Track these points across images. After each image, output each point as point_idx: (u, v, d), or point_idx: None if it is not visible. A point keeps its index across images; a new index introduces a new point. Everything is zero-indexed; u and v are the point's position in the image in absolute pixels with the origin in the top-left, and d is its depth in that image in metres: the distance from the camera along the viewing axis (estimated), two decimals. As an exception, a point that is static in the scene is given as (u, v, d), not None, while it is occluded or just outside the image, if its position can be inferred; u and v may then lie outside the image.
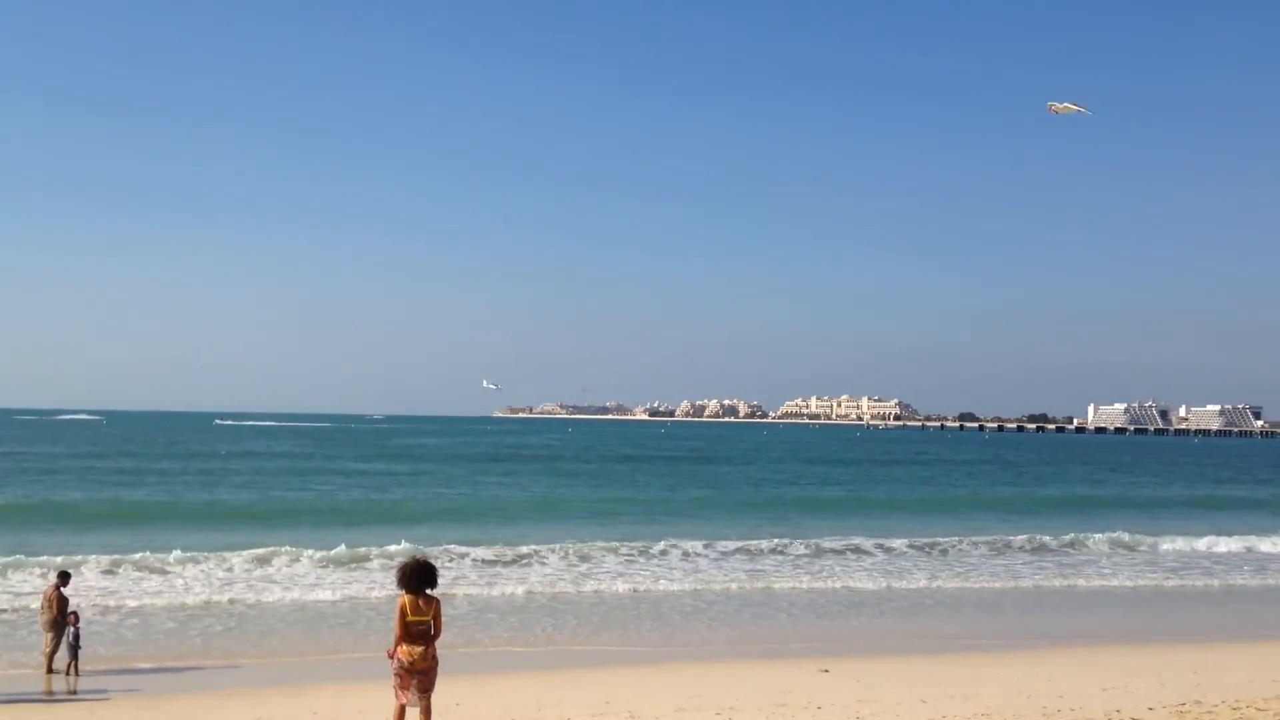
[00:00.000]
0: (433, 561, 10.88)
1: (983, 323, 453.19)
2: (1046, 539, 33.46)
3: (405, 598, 10.39)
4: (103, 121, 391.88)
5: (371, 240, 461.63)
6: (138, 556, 25.41)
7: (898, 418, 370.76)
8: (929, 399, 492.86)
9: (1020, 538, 33.55)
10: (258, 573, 24.71)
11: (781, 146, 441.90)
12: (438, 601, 10.51)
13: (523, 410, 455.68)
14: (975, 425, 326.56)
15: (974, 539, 32.94)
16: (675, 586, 24.40)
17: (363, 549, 27.33)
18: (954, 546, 31.59)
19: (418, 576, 10.43)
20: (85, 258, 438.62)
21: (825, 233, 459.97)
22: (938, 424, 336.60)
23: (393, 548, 27.34)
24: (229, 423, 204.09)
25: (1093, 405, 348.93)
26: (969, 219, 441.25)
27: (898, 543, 31.73)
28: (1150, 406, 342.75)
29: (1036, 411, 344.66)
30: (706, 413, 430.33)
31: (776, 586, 24.85)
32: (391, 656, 10.37)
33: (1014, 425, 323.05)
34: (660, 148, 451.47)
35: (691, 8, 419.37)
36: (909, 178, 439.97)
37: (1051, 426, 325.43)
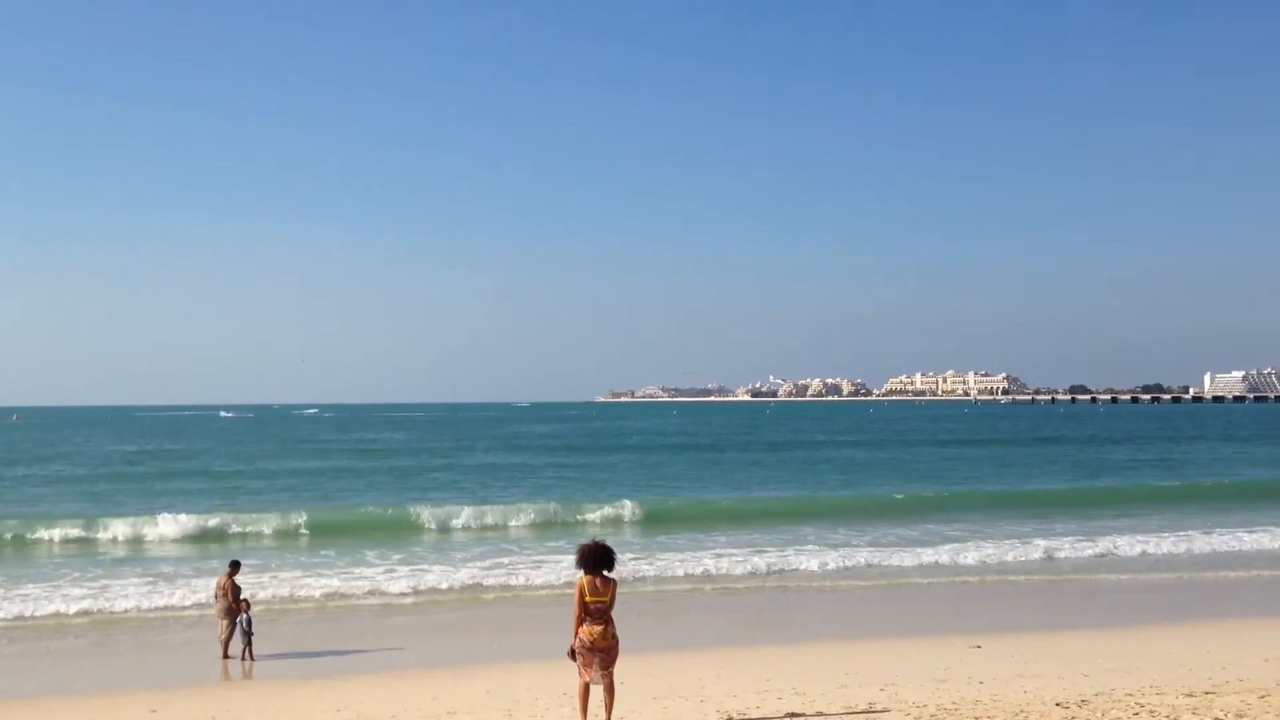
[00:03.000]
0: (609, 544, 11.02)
1: (1091, 292, 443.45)
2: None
3: (584, 579, 10.63)
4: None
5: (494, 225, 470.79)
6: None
7: (1005, 392, 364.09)
8: (1038, 372, 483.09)
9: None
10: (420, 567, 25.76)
11: (885, 118, 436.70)
12: (614, 582, 10.73)
13: (625, 394, 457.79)
14: (1087, 397, 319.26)
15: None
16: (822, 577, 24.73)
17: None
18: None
19: (595, 558, 10.66)
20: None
21: (925, 205, 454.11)
22: (1048, 397, 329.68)
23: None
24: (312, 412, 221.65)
25: (1209, 373, 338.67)
26: (1073, 184, 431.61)
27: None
28: (1270, 374, 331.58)
29: (1150, 382, 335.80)
30: (809, 392, 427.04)
31: (919, 580, 24.50)
32: (573, 644, 10.62)
33: (1128, 396, 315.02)
34: (775, 123, 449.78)
35: None
36: (1010, 142, 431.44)
37: (1167, 397, 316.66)
